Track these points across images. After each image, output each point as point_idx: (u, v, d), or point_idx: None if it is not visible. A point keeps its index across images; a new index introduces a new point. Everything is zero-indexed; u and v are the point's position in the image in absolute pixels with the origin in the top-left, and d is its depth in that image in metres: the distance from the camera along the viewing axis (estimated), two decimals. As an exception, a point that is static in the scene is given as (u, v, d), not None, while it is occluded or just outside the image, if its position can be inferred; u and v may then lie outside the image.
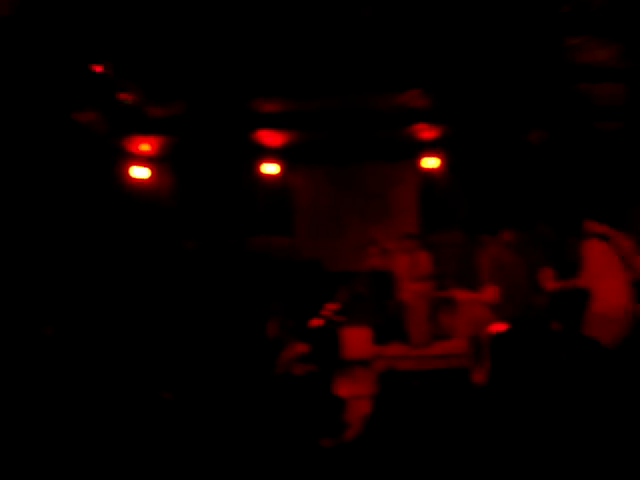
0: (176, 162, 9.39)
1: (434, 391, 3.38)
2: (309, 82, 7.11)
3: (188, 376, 4.56)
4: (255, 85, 7.09)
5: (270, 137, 8.84)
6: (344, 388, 5.50)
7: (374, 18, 6.07)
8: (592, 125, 8.13)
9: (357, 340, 7.70)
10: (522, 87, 7.34)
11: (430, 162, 9.05)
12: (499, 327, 4.19)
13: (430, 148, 9.01)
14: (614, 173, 8.34)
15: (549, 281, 4.73)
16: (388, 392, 3.26)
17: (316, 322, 5.49)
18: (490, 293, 4.39)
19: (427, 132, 8.71)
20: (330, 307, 5.75)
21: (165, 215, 9.35)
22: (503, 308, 4.34)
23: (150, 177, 8.97)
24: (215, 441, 3.19)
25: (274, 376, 4.71)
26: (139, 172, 8.88)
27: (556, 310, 5.32)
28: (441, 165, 9.10)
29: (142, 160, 8.88)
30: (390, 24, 6.19)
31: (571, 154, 8.47)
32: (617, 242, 4.77)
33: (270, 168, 9.18)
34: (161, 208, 9.36)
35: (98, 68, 6.27)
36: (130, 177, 8.80)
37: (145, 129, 8.16)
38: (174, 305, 6.89)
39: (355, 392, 5.29)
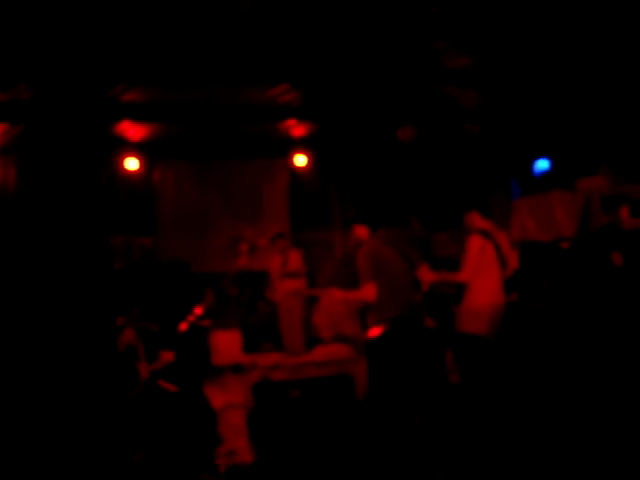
0: (22, 154, 8.48)
1: (315, 402, 3.19)
2: (175, 71, 6.68)
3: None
4: (115, 71, 6.53)
5: (132, 129, 8.25)
6: (216, 398, 5.17)
7: (249, 13, 5.82)
8: (457, 126, 8.42)
9: (227, 344, 7.36)
10: (391, 86, 7.41)
11: (300, 159, 8.95)
12: (375, 331, 4.09)
13: (300, 145, 8.91)
14: (475, 170, 8.73)
15: (428, 274, 4.72)
16: (265, 406, 3.00)
17: (182, 327, 5.10)
18: (368, 291, 4.26)
19: (297, 129, 8.59)
20: (197, 310, 5.37)
21: (10, 213, 8.42)
22: (383, 307, 4.23)
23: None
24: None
25: (135, 392, 4.29)
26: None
27: (430, 306, 5.36)
28: (311, 162, 9.03)
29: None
30: (261, 17, 5.96)
31: (438, 152, 8.74)
32: (496, 238, 4.88)
33: (132, 163, 8.59)
34: (5, 205, 8.42)
35: None
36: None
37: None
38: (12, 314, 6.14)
39: (227, 401, 4.98)
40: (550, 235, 6.66)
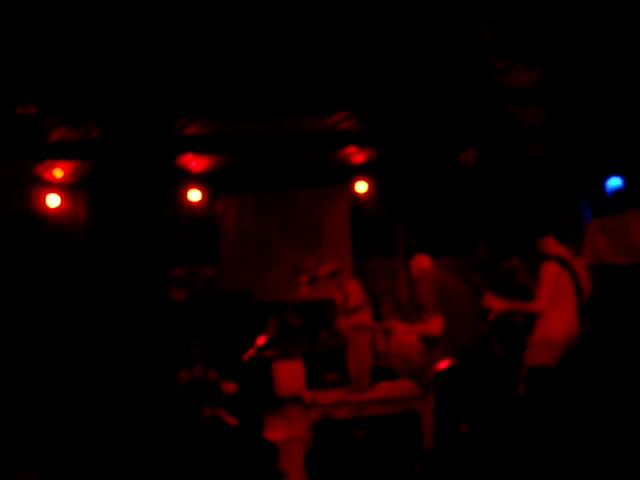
0: (92, 190, 8.78)
1: (379, 441, 3.03)
2: (235, 102, 6.78)
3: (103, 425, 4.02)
4: (177, 105, 6.68)
5: (194, 161, 8.41)
6: (278, 430, 5.09)
7: (309, 40, 5.86)
8: (521, 147, 8.17)
9: (289, 375, 7.29)
10: (451, 108, 7.28)
11: (361, 186, 8.87)
12: (443, 364, 3.91)
13: (361, 172, 8.84)
14: (543, 192, 8.42)
15: (496, 302, 4.48)
16: (326, 445, 2.86)
17: (245, 357, 5.05)
18: (435, 324, 4.08)
19: (357, 155, 8.53)
20: (259, 341, 5.32)
21: (80, 246, 8.69)
22: (450, 340, 4.05)
23: (63, 205, 8.32)
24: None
25: (198, 423, 4.25)
26: (51, 200, 8.22)
27: (499, 335, 5.13)
28: (372, 189, 8.94)
29: (54, 187, 8.24)
30: (321, 44, 5.99)
31: (503, 174, 8.49)
32: (573, 265, 4.60)
33: (194, 195, 8.74)
34: (76, 239, 8.70)
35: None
36: (43, 205, 8.13)
37: (56, 153, 7.54)
38: (90, 347, 6.26)
39: (290, 434, 4.88)
40: (627, 258, 6.30)
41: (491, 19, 5.99)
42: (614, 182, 7.76)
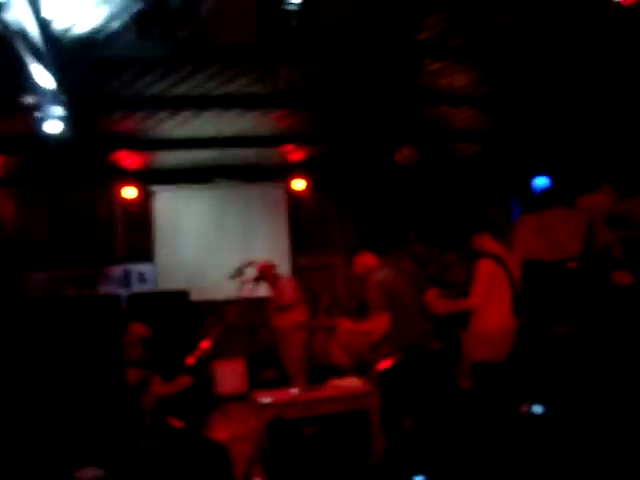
0: (20, 185, 8.44)
1: (330, 438, 3.09)
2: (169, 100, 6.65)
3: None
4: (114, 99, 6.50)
5: (129, 158, 8.22)
6: (221, 430, 5.07)
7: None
8: (455, 147, 8.42)
9: (230, 374, 7.28)
10: (387, 108, 7.42)
11: (299, 183, 8.92)
12: (386, 363, 4.00)
13: (299, 169, 8.88)
14: (475, 189, 8.71)
15: (438, 303, 4.60)
16: (279, 444, 2.90)
17: (190, 361, 4.99)
18: (380, 322, 4.14)
19: (295, 153, 8.57)
20: (205, 344, 5.27)
21: (8, 244, 8.34)
22: (397, 337, 4.14)
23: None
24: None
25: (143, 427, 4.18)
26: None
27: (436, 328, 5.26)
28: (310, 186, 9.00)
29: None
30: (260, 41, 5.96)
31: (437, 173, 8.72)
32: (507, 261, 4.73)
33: (130, 191, 8.55)
34: (3, 237, 8.35)
35: None
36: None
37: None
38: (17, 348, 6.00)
39: (234, 433, 4.88)
40: (555, 254, 6.60)
41: (427, 23, 6.16)
42: (541, 181, 8.14)
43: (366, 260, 4.57)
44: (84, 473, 3.42)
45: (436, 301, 4.57)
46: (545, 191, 8.05)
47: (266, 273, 6.92)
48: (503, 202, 8.94)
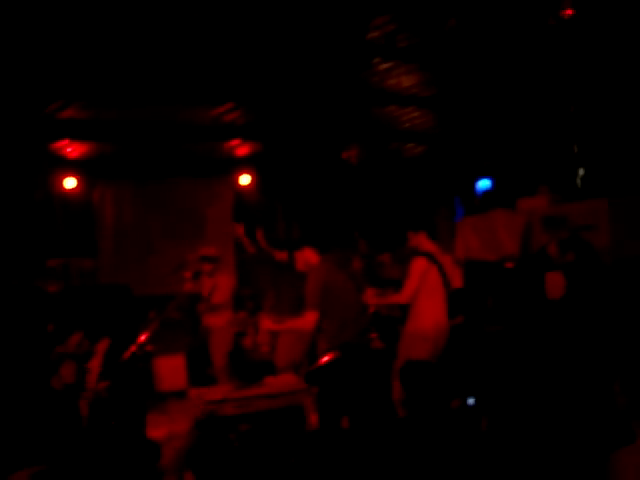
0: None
1: (265, 435, 3.07)
2: (114, 88, 6.51)
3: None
4: (54, 88, 6.30)
5: (70, 147, 7.97)
6: (159, 427, 4.98)
7: (191, 33, 5.76)
8: (401, 147, 8.52)
9: (171, 370, 7.17)
10: (335, 106, 7.45)
11: (244, 179, 8.85)
12: (325, 358, 4.01)
13: (245, 164, 8.81)
14: (419, 190, 8.83)
15: (372, 299, 4.68)
16: (209, 442, 2.86)
17: (127, 355, 4.88)
18: (307, 320, 4.13)
19: (241, 148, 8.51)
20: (141, 338, 5.17)
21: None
22: (335, 334, 4.15)
23: None
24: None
25: (76, 423, 4.07)
26: None
27: (377, 327, 5.33)
28: (256, 182, 8.94)
29: None
30: (206, 36, 5.91)
31: (383, 172, 8.80)
32: (440, 259, 4.85)
33: (70, 182, 8.28)
34: None
35: None
36: None
37: None
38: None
39: (172, 431, 4.80)
40: (494, 254, 6.77)
41: (375, 23, 6.23)
42: (484, 183, 8.33)
43: (307, 256, 4.57)
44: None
45: (371, 298, 4.65)
46: (487, 193, 8.24)
47: (207, 260, 6.76)
48: (447, 203, 9.10)
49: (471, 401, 3.86)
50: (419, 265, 4.75)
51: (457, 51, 6.41)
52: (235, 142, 8.27)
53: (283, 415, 3.81)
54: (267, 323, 4.56)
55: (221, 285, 6.77)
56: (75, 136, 7.65)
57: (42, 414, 3.54)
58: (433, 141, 8.56)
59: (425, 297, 4.72)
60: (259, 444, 3.05)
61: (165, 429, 5.03)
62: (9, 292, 6.84)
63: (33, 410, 3.55)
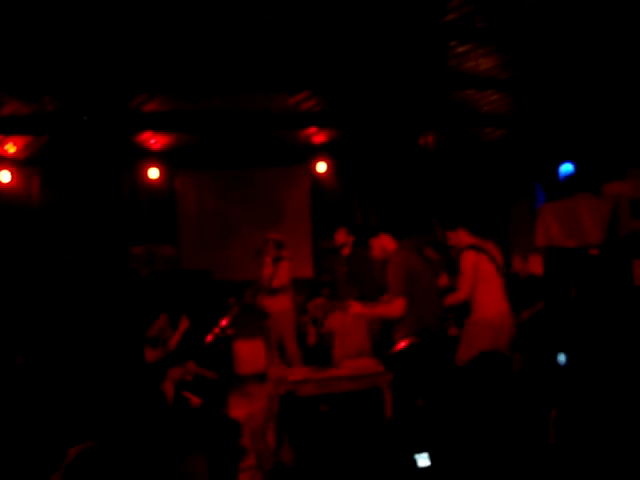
0: (46, 165, 8.57)
1: (344, 416, 3.13)
2: (195, 80, 6.70)
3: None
4: (137, 81, 6.56)
5: (153, 139, 8.29)
6: (239, 408, 5.16)
7: (268, 23, 5.83)
8: (479, 131, 8.33)
9: (250, 353, 7.37)
10: (411, 91, 7.36)
11: (321, 166, 8.91)
12: (403, 343, 4.02)
13: (321, 152, 8.87)
14: (499, 175, 8.62)
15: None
16: (292, 420, 2.95)
17: (208, 339, 5.07)
18: (396, 307, 4.16)
19: (318, 135, 8.56)
20: (222, 322, 5.35)
21: (33, 223, 8.50)
22: (414, 320, 4.17)
23: (15, 181, 8.13)
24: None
25: (163, 402, 4.27)
26: (3, 176, 8.02)
27: (454, 316, 5.30)
28: (332, 169, 8.98)
29: (6, 162, 8.02)
30: (282, 27, 5.97)
31: (461, 158, 8.64)
32: (489, 251, 4.82)
33: (153, 172, 8.63)
34: (29, 216, 8.50)
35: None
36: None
37: (8, 127, 7.33)
38: (47, 328, 6.17)
39: (252, 412, 4.95)
40: (577, 241, 6.55)
41: (452, 5, 6.09)
42: (566, 168, 8.02)
43: (384, 242, 4.58)
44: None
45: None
46: (570, 177, 7.94)
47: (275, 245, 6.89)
48: (527, 189, 8.84)
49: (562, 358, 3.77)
50: (469, 258, 4.76)
51: (537, 30, 6.19)
52: (312, 130, 8.33)
53: (361, 397, 3.86)
54: (357, 308, 4.59)
55: (281, 269, 6.89)
56: (158, 128, 7.93)
57: (131, 391, 3.73)
58: (512, 124, 8.31)
59: (483, 287, 4.74)
60: (338, 424, 3.11)
61: (245, 409, 5.21)
62: (109, 275, 7.23)
63: (123, 386, 3.75)
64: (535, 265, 7.05)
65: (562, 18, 6.00)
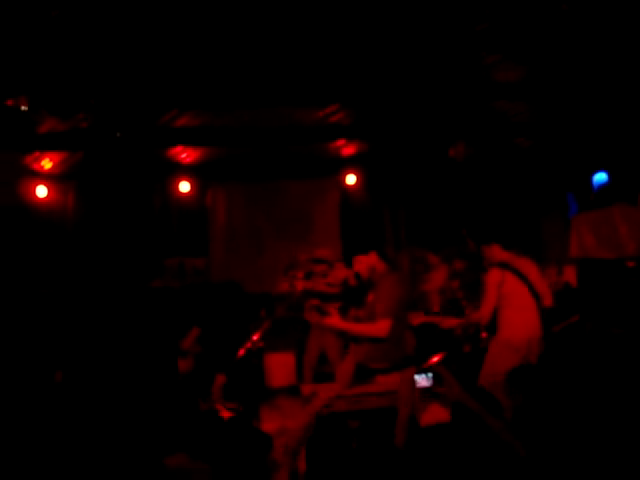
0: (81, 180, 8.74)
1: (375, 432, 3.11)
2: (225, 95, 6.78)
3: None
4: (168, 97, 6.68)
5: (184, 153, 8.41)
6: (270, 421, 5.15)
7: (297, 34, 5.89)
8: (510, 141, 8.25)
9: (281, 367, 7.36)
10: (441, 102, 7.34)
11: (351, 178, 8.91)
12: (433, 359, 4.00)
13: (350, 164, 8.88)
14: (530, 186, 8.51)
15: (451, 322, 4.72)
16: (325, 435, 2.94)
17: (240, 353, 5.10)
18: (382, 326, 4.08)
19: (347, 148, 8.58)
20: (254, 336, 5.37)
21: (69, 237, 8.67)
22: (393, 345, 4.13)
23: (52, 196, 8.31)
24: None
25: (196, 415, 4.31)
26: (40, 191, 8.21)
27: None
28: (362, 181, 8.98)
29: (43, 178, 8.21)
30: (311, 39, 6.02)
31: (492, 168, 8.56)
32: (520, 268, 4.70)
33: (184, 186, 8.75)
34: (65, 229, 8.68)
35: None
36: (32, 196, 8.10)
37: (45, 144, 7.51)
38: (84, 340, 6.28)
39: (283, 425, 4.94)
40: (613, 252, 6.41)
41: (483, 15, 6.07)
42: (600, 177, 7.88)
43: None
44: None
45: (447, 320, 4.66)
46: (604, 187, 7.80)
47: (322, 262, 6.88)
48: (559, 199, 8.70)
49: None
50: (493, 277, 4.69)
51: (568, 38, 6.12)
52: (341, 142, 8.35)
53: (392, 412, 3.82)
54: (334, 320, 4.51)
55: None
56: (189, 142, 8.05)
57: (167, 403, 3.77)
58: (544, 134, 8.21)
59: (511, 306, 4.62)
60: (368, 440, 3.09)
61: (276, 423, 5.19)
62: (145, 288, 7.33)
63: (160, 399, 3.80)
64: (570, 276, 6.92)
65: (595, 26, 5.94)
